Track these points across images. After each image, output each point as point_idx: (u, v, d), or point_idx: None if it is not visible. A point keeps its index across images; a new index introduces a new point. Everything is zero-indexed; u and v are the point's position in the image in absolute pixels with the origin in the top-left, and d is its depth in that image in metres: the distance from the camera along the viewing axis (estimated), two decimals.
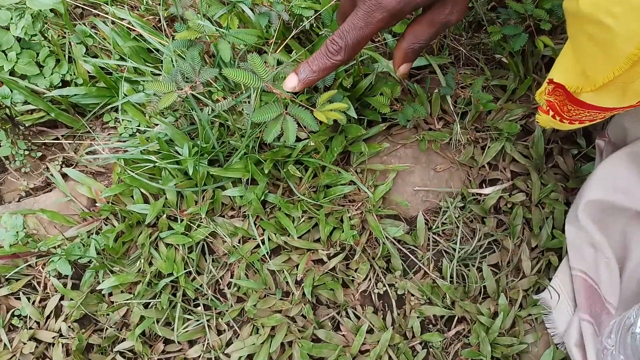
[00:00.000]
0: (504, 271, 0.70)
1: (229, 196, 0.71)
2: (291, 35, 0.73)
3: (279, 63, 0.71)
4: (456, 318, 0.69)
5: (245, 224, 0.71)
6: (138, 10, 0.86)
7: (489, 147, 0.76)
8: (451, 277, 0.70)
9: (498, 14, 0.81)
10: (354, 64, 0.73)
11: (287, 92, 0.54)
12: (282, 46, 0.73)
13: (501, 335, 0.67)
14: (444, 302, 0.69)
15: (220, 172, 0.70)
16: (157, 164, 0.68)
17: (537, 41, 0.72)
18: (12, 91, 0.70)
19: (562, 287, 0.69)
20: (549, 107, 0.56)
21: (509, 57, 0.78)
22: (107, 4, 0.82)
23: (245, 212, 0.72)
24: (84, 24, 0.82)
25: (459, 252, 0.71)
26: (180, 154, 0.71)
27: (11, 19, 0.65)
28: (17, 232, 0.65)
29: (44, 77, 0.77)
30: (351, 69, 0.74)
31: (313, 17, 0.73)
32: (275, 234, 0.69)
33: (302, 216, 0.70)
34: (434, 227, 0.73)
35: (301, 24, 0.74)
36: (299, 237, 0.69)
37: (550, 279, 0.70)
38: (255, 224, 0.70)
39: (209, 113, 0.69)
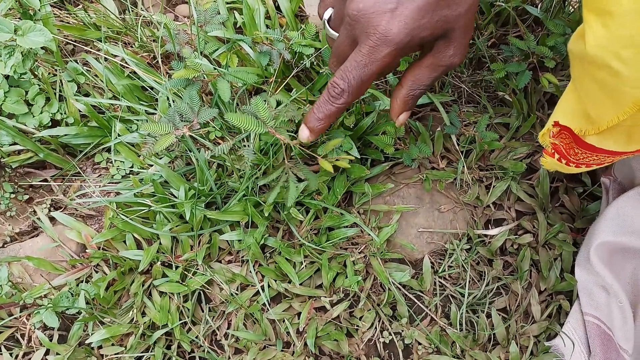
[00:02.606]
0: (513, 317, 0.68)
1: (227, 240, 0.68)
2: (292, 74, 0.71)
3: (279, 103, 0.69)
4: None
5: (243, 270, 0.67)
6: (132, 47, 0.83)
7: (494, 186, 0.74)
8: (460, 324, 0.67)
9: (499, 51, 0.81)
10: (355, 103, 0.72)
11: (303, 142, 0.52)
12: (282, 85, 0.71)
13: None
14: (453, 351, 0.66)
15: (217, 215, 0.67)
16: (151, 208, 0.65)
17: (542, 79, 0.71)
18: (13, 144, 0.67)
19: (575, 333, 0.66)
20: (554, 150, 0.54)
21: (511, 95, 0.77)
22: (100, 41, 0.80)
23: (243, 257, 0.69)
24: (76, 60, 0.80)
25: (467, 297, 0.68)
26: (175, 197, 0.68)
27: (0, 57, 0.63)
28: (0, 286, 0.61)
29: (33, 116, 0.74)
30: (353, 107, 0.72)
31: (314, 55, 0.71)
32: (275, 281, 0.66)
33: (304, 261, 0.67)
34: (439, 270, 0.70)
35: (301, 62, 0.73)
36: (301, 284, 0.66)
37: (561, 324, 0.67)
38: (254, 270, 0.67)
39: (207, 154, 0.67)
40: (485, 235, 0.73)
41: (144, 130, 0.57)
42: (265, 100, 0.65)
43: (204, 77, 0.67)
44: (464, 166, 0.73)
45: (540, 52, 0.71)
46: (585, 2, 0.42)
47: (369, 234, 0.69)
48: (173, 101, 0.70)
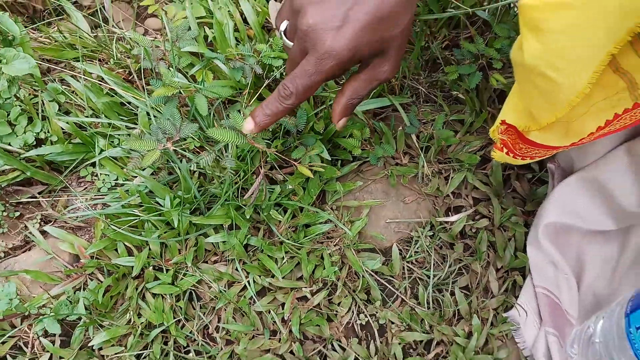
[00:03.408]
0: (474, 293, 0.76)
1: (212, 242, 0.74)
2: (263, 85, 0.77)
3: None
4: (435, 341, 0.73)
5: (229, 269, 0.73)
6: (107, 63, 0.88)
7: (452, 177, 0.82)
8: (427, 303, 0.75)
9: (452, 54, 0.88)
10: (323, 108, 0.78)
11: (246, 134, 0.58)
12: (255, 96, 0.77)
13: (477, 353, 0.72)
14: (423, 327, 0.73)
15: (202, 220, 0.73)
16: (141, 218, 0.70)
17: (491, 79, 0.79)
18: None
19: (528, 304, 0.74)
20: (503, 145, 0.62)
21: (465, 94, 0.84)
22: (77, 60, 0.84)
23: (228, 256, 0.75)
24: (54, 79, 0.84)
25: (432, 278, 0.76)
26: (161, 205, 0.73)
27: None
28: (10, 300, 0.65)
29: (17, 136, 0.78)
30: (322, 113, 0.78)
31: (282, 66, 0.77)
32: (259, 276, 0.72)
33: (285, 257, 0.73)
34: (407, 256, 0.78)
35: (271, 73, 0.78)
36: (283, 277, 0.72)
37: (516, 297, 0.76)
38: (239, 268, 0.73)
39: (191, 165, 0.72)
40: (446, 222, 0.80)
41: (130, 147, 0.62)
42: (239, 111, 0.71)
43: (181, 93, 0.72)
44: (424, 161, 0.81)
45: (488, 54, 0.79)
46: (522, 18, 0.49)
47: (342, 228, 0.75)
48: (154, 116, 0.75)
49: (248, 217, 0.73)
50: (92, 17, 0.94)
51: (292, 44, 0.55)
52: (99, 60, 0.88)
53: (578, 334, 0.70)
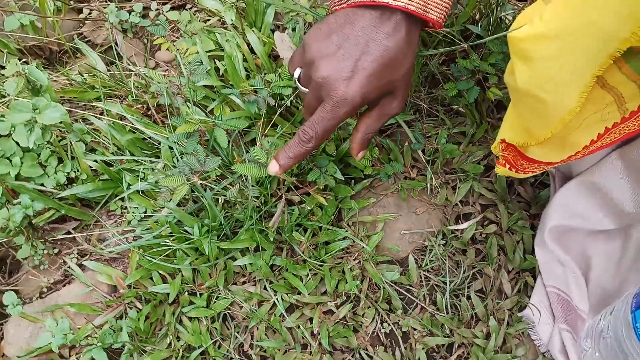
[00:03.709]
0: (489, 296, 0.80)
1: (240, 265, 0.79)
2: (276, 114, 0.82)
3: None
4: (456, 344, 0.78)
5: (258, 289, 0.78)
6: (126, 100, 0.93)
7: (459, 187, 0.87)
8: (446, 308, 0.79)
9: (449, 69, 0.93)
10: (334, 132, 0.83)
11: (271, 174, 0.63)
12: (269, 125, 0.82)
13: (496, 353, 0.77)
14: (443, 332, 0.78)
15: (229, 245, 0.77)
16: (173, 248, 0.75)
17: (488, 93, 0.84)
18: (32, 201, 0.75)
19: (541, 303, 0.79)
20: (505, 161, 0.67)
21: (464, 107, 0.89)
22: (99, 100, 0.89)
23: (255, 277, 0.79)
24: (78, 120, 0.89)
25: (449, 285, 0.80)
26: (190, 233, 0.78)
27: (27, 132, 0.71)
28: (64, 335, 0.70)
29: (48, 177, 0.83)
30: (333, 135, 0.83)
31: (293, 95, 0.82)
32: (287, 294, 0.77)
33: (309, 274, 0.78)
34: (423, 265, 0.83)
35: (282, 102, 0.83)
36: (309, 294, 0.77)
37: (529, 297, 0.81)
38: (268, 287, 0.78)
39: (212, 192, 0.77)
40: (457, 230, 0.85)
41: (161, 184, 0.67)
42: (260, 143, 0.76)
43: (202, 127, 0.77)
44: (431, 174, 0.85)
45: (484, 69, 0.83)
46: (511, 48, 0.54)
47: (360, 244, 0.80)
48: (177, 151, 0.80)
49: (272, 239, 0.77)
50: (105, 55, 0.99)
51: (306, 90, 0.61)
52: (118, 97, 0.93)
53: (590, 328, 0.75)
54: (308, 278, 0.78)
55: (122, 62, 0.97)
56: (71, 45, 1.01)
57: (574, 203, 0.78)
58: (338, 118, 0.57)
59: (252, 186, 0.71)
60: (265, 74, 0.87)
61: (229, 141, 0.80)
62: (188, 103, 0.83)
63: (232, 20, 0.96)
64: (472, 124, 0.89)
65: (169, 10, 1.04)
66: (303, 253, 0.79)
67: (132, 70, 0.95)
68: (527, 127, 0.59)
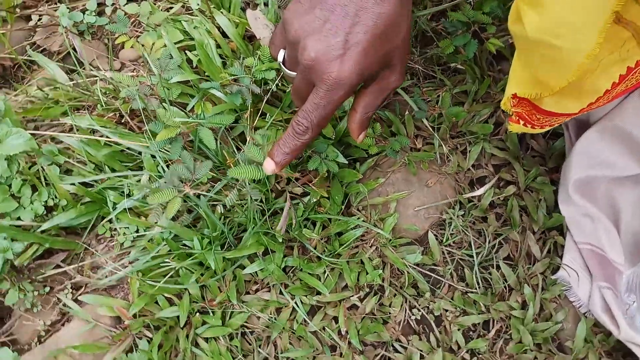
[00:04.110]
0: (519, 263, 0.75)
1: (250, 273, 0.72)
2: (263, 102, 0.74)
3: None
4: (492, 319, 0.73)
5: (273, 295, 0.72)
6: (95, 110, 0.84)
7: (470, 151, 0.81)
8: (477, 283, 0.74)
9: (440, 25, 0.86)
10: None
11: (267, 174, 0.56)
12: (258, 116, 0.74)
13: (535, 321, 0.72)
14: (478, 309, 0.73)
15: (235, 254, 0.71)
16: (175, 267, 0.68)
17: (488, 45, 0.77)
18: (12, 240, 0.68)
19: (574, 262, 0.74)
20: (519, 117, 0.61)
21: (463, 64, 0.82)
22: (66, 114, 0.80)
23: (269, 282, 0.73)
24: (47, 140, 0.80)
25: (476, 257, 0.75)
26: (190, 247, 0.71)
27: None
28: None
29: (24, 209, 0.75)
30: None
31: (278, 79, 0.74)
32: (306, 296, 0.71)
33: (325, 270, 0.72)
34: (444, 240, 0.77)
35: (267, 87, 0.76)
36: (329, 292, 0.71)
37: (561, 257, 0.75)
38: (284, 292, 0.72)
39: (206, 198, 0.69)
40: (474, 197, 0.79)
41: (152, 201, 0.60)
42: (251, 137, 0.68)
43: (183, 129, 0.70)
44: (439, 142, 0.79)
45: (479, 20, 0.76)
46: None
47: (376, 230, 0.74)
48: (166, 162, 0.72)
49: (280, 240, 0.71)
50: (64, 64, 0.90)
51: (293, 74, 0.53)
52: (86, 108, 0.84)
53: (631, 281, 0.71)
54: (326, 275, 0.72)
55: (84, 69, 0.88)
56: (25, 58, 0.91)
57: (596, 151, 0.72)
58: (334, 102, 0.50)
59: (251, 187, 0.64)
60: (243, 58, 0.79)
61: (216, 140, 0.72)
62: (164, 104, 0.74)
63: (197, 4, 0.87)
64: (473, 81, 0.82)
65: (127, 4, 0.94)
66: (316, 249, 0.73)
67: (97, 76, 0.86)
68: (540, 77, 0.53)
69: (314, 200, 0.73)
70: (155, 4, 0.91)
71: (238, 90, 0.70)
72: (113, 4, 0.94)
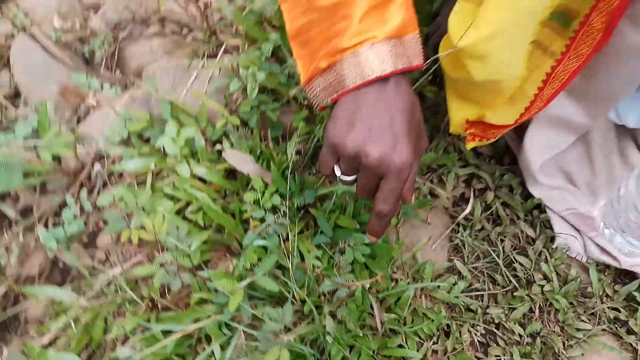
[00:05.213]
0: (532, 248, 0.91)
1: None
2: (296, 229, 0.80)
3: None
4: (532, 303, 0.89)
5: None
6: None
7: (446, 180, 0.95)
8: (507, 280, 0.89)
9: None
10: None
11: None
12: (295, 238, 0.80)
13: (561, 287, 0.89)
14: (520, 300, 0.88)
15: None
16: None
17: (424, 91, 0.91)
18: None
19: (563, 227, 0.92)
20: (474, 136, 0.78)
21: None
22: None
23: None
24: None
25: (501, 257, 0.90)
26: None
27: None
28: None
29: None
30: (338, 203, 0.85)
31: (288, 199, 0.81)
32: None
33: (405, 340, 0.82)
34: (467, 261, 0.91)
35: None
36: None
37: (551, 228, 0.93)
38: None
39: None
40: (468, 214, 0.94)
41: None
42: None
43: None
44: (427, 185, 0.92)
45: None
46: (464, 54, 0.65)
47: (422, 286, 0.85)
48: None
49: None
50: None
51: (351, 178, 0.64)
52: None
53: (607, 213, 0.90)
54: (407, 342, 0.82)
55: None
56: None
57: (544, 140, 0.88)
58: (402, 182, 0.61)
59: None
60: (241, 199, 0.84)
61: None
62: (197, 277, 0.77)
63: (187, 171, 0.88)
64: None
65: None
66: (383, 325, 0.82)
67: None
68: (479, 103, 0.74)
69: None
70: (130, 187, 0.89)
71: (273, 230, 0.76)
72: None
